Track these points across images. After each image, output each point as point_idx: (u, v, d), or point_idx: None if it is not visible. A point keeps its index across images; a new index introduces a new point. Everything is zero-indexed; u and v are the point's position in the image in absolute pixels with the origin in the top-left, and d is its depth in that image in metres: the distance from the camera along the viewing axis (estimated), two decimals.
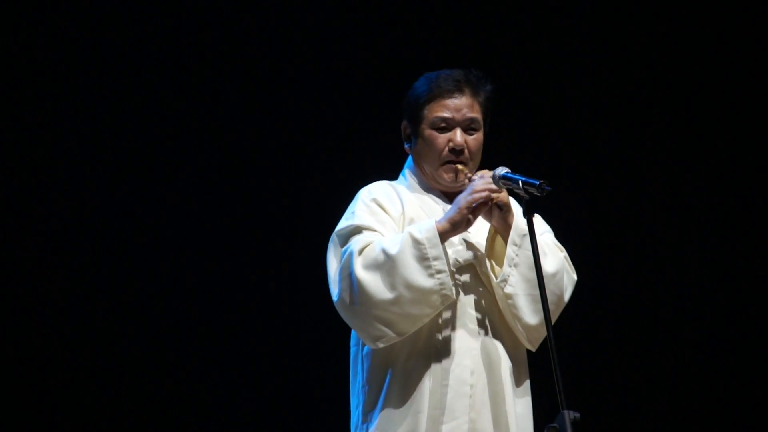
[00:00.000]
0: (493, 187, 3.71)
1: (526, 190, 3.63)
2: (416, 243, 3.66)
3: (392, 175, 4.03)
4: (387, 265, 3.65)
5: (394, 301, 3.65)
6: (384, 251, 3.66)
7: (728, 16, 6.14)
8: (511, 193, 3.77)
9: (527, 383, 3.87)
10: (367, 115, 5.78)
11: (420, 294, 3.65)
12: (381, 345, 3.70)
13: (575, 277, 3.91)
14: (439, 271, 3.66)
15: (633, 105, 6.17)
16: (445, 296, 3.68)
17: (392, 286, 3.65)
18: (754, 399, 6.12)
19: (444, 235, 3.69)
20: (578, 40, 6.12)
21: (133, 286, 5.67)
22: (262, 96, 5.81)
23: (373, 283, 3.65)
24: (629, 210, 6.15)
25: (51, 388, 5.55)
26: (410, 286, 3.65)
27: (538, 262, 3.58)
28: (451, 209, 3.72)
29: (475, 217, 3.72)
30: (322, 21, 5.87)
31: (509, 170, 3.72)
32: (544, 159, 5.92)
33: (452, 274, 3.73)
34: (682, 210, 6.18)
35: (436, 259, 3.66)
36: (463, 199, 3.70)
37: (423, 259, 3.65)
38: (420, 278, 3.65)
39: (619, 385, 6.06)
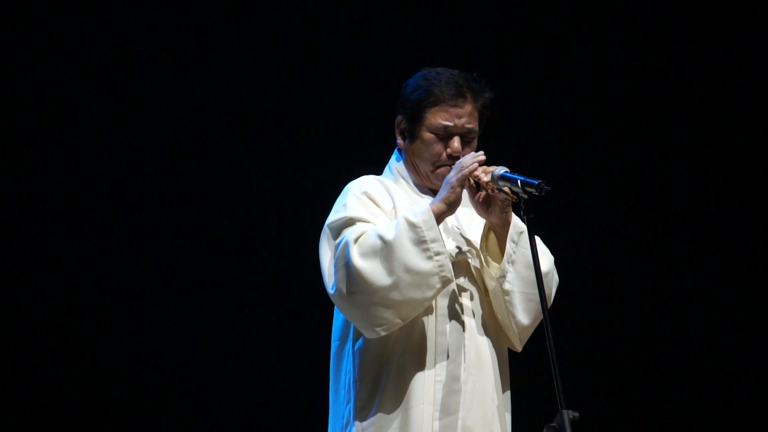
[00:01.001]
0: (481, 158, 3.74)
1: (524, 190, 3.65)
2: (412, 226, 3.66)
3: (378, 169, 4.03)
4: (384, 250, 3.64)
5: (394, 286, 3.63)
6: (380, 237, 3.66)
7: (727, 16, 6.15)
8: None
9: (508, 380, 3.89)
10: (354, 109, 5.78)
11: (419, 277, 3.65)
12: (382, 333, 3.68)
13: (558, 279, 3.94)
14: (437, 253, 3.66)
15: (628, 106, 6.19)
16: (444, 278, 3.67)
17: (391, 271, 3.63)
18: (754, 399, 6.14)
19: (440, 217, 3.70)
20: (573, 41, 6.13)
21: (114, 281, 5.64)
22: (249, 91, 5.80)
23: (372, 270, 3.64)
24: (623, 212, 6.16)
25: (47, 388, 5.53)
26: (409, 270, 3.64)
27: (536, 261, 3.60)
28: (443, 189, 3.74)
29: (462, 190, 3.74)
30: (313, 17, 5.86)
31: (508, 169, 3.73)
32: (540, 159, 5.93)
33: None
34: (678, 210, 6.19)
35: (433, 241, 3.66)
36: (453, 177, 3.72)
37: (420, 242, 3.65)
38: (418, 261, 3.64)
39: (617, 384, 6.08)
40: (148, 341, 5.68)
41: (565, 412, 3.34)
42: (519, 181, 3.66)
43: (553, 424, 3.35)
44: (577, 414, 3.35)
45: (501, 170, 3.73)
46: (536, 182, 3.62)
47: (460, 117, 3.85)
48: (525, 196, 3.64)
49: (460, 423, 3.73)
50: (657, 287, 6.16)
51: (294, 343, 5.73)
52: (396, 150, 4.00)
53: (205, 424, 5.74)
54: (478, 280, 3.85)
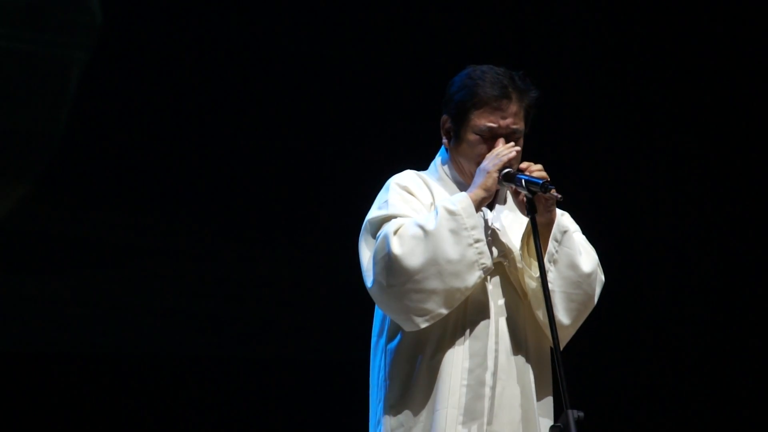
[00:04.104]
0: (518, 149, 3.73)
1: (529, 190, 3.64)
2: (452, 214, 3.65)
3: (418, 165, 4.01)
4: (425, 240, 3.62)
5: (436, 275, 3.62)
6: (421, 227, 3.64)
7: (730, 14, 6.15)
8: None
9: (549, 385, 3.84)
10: (392, 107, 5.78)
11: (461, 265, 3.63)
12: (423, 324, 3.66)
13: (603, 278, 3.88)
14: (477, 240, 3.65)
15: (637, 103, 6.18)
16: (483, 265, 3.66)
17: (433, 261, 3.62)
18: (756, 400, 6.14)
19: (479, 204, 3.69)
20: (581, 37, 6.13)
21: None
22: (284, 88, 5.81)
23: (413, 259, 3.62)
24: (633, 210, 6.16)
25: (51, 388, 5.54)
26: (450, 259, 3.63)
27: (541, 261, 3.60)
28: (478, 176, 3.72)
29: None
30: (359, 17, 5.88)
31: (512, 169, 3.73)
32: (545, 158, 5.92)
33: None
34: (684, 210, 6.18)
35: (473, 228, 3.65)
36: (490, 164, 3.70)
37: (461, 230, 3.64)
38: (459, 249, 3.63)
39: (623, 384, 6.08)
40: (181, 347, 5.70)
41: (570, 411, 3.34)
42: (523, 181, 3.66)
43: (558, 424, 3.35)
44: (582, 413, 3.35)
45: (504, 170, 3.73)
46: (540, 182, 3.63)
47: (504, 118, 3.79)
48: (530, 196, 3.65)
49: (485, 428, 3.70)
50: (662, 287, 6.16)
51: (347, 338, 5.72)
52: (442, 147, 3.96)
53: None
54: (515, 283, 3.81)
